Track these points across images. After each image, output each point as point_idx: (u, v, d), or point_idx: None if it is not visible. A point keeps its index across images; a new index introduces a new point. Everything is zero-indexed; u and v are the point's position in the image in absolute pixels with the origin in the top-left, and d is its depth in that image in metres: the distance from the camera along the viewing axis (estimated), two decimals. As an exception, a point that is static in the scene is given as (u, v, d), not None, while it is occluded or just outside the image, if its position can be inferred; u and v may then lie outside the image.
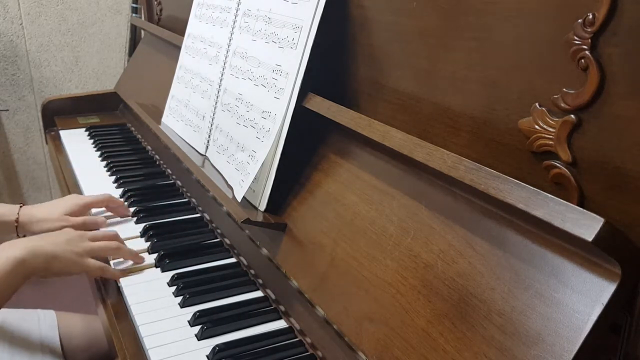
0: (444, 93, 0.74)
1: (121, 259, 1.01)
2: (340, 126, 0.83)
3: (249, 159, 0.95)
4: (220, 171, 1.05)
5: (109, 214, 1.18)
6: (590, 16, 0.54)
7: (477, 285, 0.59)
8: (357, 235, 0.76)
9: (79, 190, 1.33)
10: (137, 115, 1.53)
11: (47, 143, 1.77)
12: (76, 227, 1.07)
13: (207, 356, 0.78)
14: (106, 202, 1.16)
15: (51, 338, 1.10)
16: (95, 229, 1.10)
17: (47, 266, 0.90)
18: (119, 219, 1.17)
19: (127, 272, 0.97)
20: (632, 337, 0.52)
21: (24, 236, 1.10)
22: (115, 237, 1.02)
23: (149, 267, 1.00)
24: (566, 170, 0.58)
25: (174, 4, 1.71)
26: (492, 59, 0.66)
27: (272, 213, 0.91)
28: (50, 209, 1.11)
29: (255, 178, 0.93)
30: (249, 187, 0.92)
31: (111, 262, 1.00)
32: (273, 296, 0.90)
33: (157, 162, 1.48)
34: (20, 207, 1.11)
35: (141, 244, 1.07)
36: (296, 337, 0.82)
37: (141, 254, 1.02)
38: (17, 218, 1.08)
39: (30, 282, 0.90)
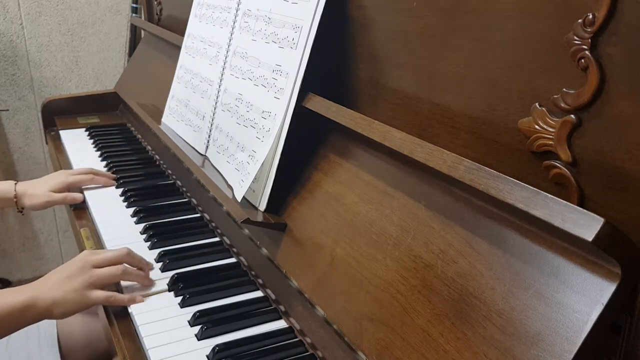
0: (444, 93, 0.74)
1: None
2: (340, 126, 0.83)
3: (249, 159, 0.95)
4: (220, 171, 1.05)
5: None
6: (590, 16, 0.54)
7: (477, 285, 0.59)
8: (357, 235, 0.76)
9: (79, 190, 1.33)
10: (137, 115, 1.53)
11: (47, 143, 1.77)
12: (58, 201, 1.26)
13: (207, 356, 0.78)
14: (90, 179, 1.32)
15: (50, 337, 1.10)
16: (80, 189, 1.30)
17: (50, 313, 0.87)
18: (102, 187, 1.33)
19: (135, 298, 0.90)
20: (632, 337, 0.52)
21: (22, 209, 1.29)
22: (123, 257, 0.93)
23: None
24: (566, 170, 0.58)
25: (174, 4, 1.71)
26: (492, 58, 0.66)
27: (272, 213, 0.91)
28: (39, 185, 1.29)
29: (255, 178, 0.93)
30: (249, 187, 0.92)
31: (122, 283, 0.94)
32: (273, 296, 0.90)
33: (157, 162, 1.48)
34: (16, 183, 1.29)
35: (141, 244, 1.07)
36: (296, 337, 0.82)
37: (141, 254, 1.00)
38: (16, 194, 1.27)
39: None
